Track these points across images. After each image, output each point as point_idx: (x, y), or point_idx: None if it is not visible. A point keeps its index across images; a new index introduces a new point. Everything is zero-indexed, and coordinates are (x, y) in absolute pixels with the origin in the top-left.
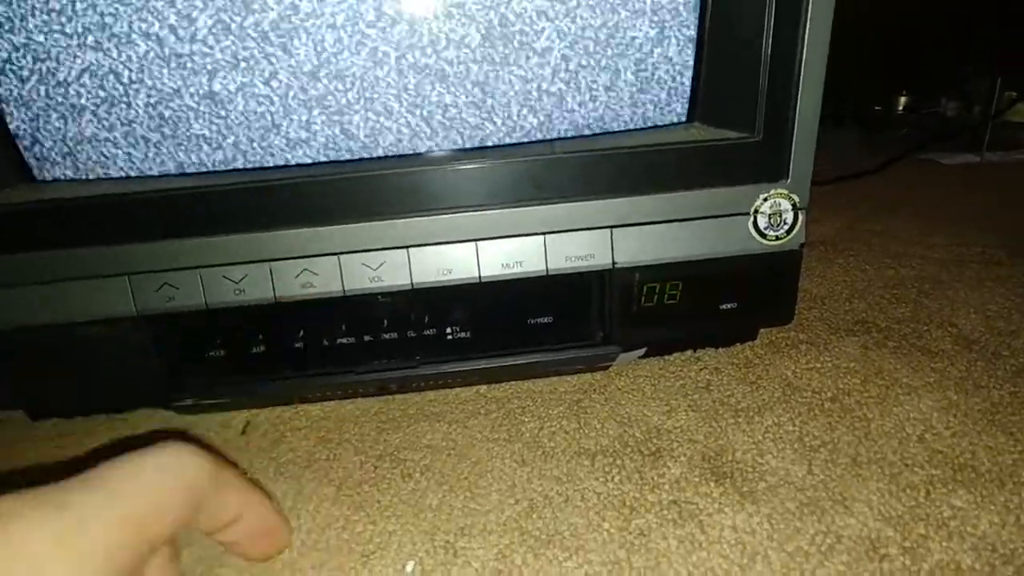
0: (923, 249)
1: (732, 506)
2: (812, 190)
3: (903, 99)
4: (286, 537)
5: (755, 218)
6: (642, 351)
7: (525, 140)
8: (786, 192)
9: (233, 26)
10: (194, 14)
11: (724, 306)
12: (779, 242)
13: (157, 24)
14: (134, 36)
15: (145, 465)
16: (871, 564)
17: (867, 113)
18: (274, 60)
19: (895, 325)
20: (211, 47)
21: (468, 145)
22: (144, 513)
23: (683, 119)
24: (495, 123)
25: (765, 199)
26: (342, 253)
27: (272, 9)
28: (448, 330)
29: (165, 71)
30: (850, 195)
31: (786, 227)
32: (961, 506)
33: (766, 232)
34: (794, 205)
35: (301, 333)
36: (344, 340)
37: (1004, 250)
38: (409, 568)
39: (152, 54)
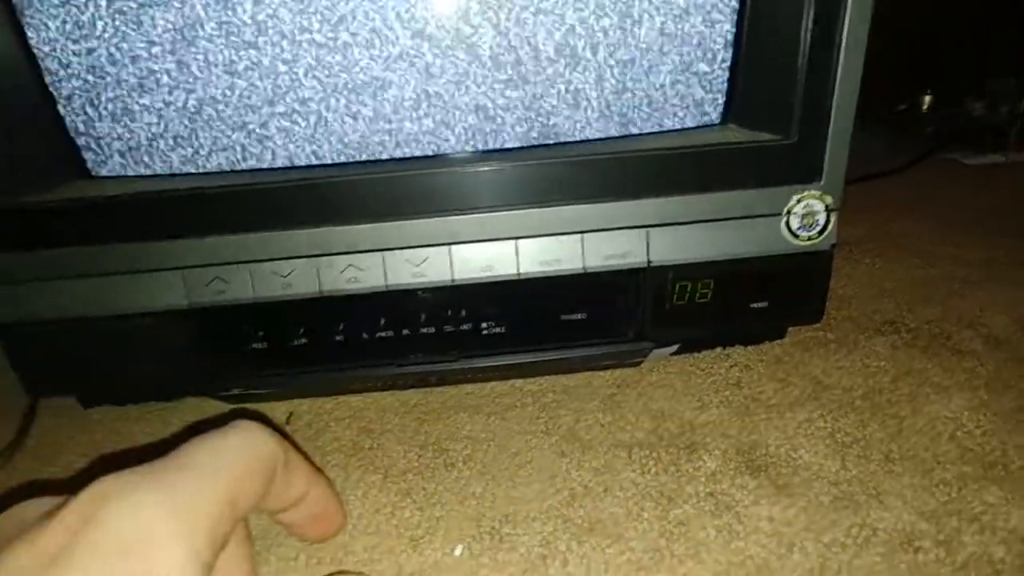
0: (950, 249)
1: (768, 498)
2: None
3: (927, 99)
4: (342, 520)
5: (788, 219)
6: (675, 347)
7: (565, 141)
8: (819, 194)
9: (284, 31)
10: (249, 19)
11: (755, 305)
12: (811, 243)
13: (212, 28)
14: (189, 39)
15: (228, 446)
16: (906, 556)
17: (891, 113)
18: (323, 62)
19: (924, 325)
20: (263, 51)
21: (510, 146)
22: (235, 491)
23: (718, 121)
24: (537, 125)
25: (798, 200)
26: (387, 249)
27: (323, 14)
28: (484, 325)
29: (219, 73)
30: (875, 195)
31: (818, 228)
32: (993, 502)
33: (798, 233)
34: (827, 207)
35: (343, 327)
36: (385, 334)
37: None
38: (458, 552)
39: (207, 56)
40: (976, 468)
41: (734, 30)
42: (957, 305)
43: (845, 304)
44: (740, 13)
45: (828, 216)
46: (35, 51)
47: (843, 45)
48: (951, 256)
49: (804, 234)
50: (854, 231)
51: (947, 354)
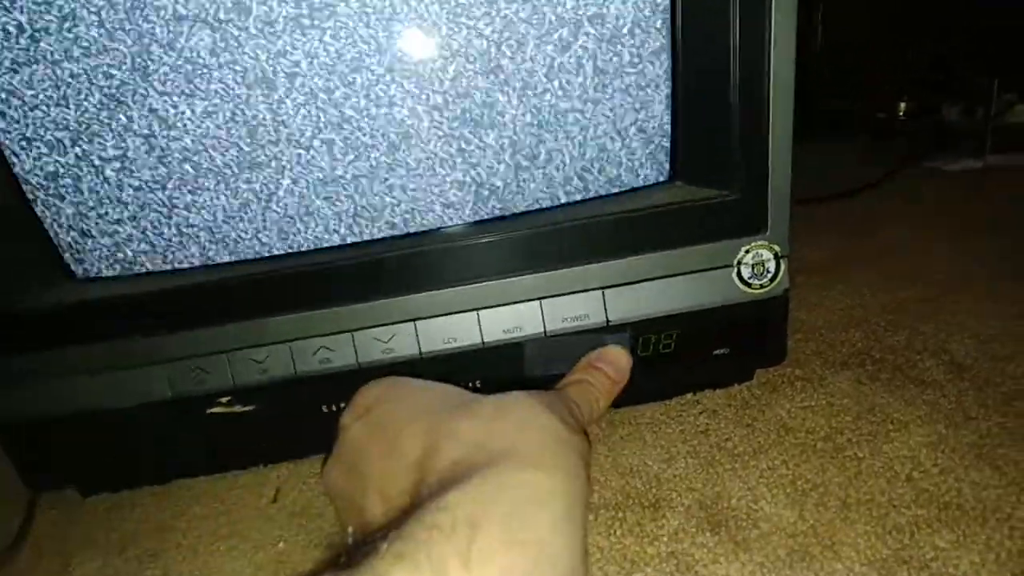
0: (922, 268)
1: (727, 555)
2: (814, 208)
3: (903, 105)
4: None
5: (739, 269)
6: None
7: (519, 212)
8: (767, 243)
9: (247, 124)
10: (218, 124)
11: (717, 352)
12: (764, 290)
13: (184, 127)
14: (159, 153)
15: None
16: None
17: (870, 121)
18: (293, 161)
19: (889, 355)
20: (231, 149)
21: (466, 221)
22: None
23: (665, 178)
24: (491, 201)
25: (747, 251)
26: (356, 330)
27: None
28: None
29: (193, 175)
30: (852, 209)
31: (769, 275)
32: (944, 547)
33: (751, 282)
34: (775, 254)
35: (321, 402)
36: None
37: (1008, 262)
38: None
39: (178, 164)
40: (930, 510)
41: (670, 90)
42: (923, 331)
43: (814, 336)
44: (673, 74)
45: (778, 263)
46: (11, 163)
47: (771, 108)
48: (922, 276)
49: (756, 282)
50: (826, 254)
51: (910, 386)
